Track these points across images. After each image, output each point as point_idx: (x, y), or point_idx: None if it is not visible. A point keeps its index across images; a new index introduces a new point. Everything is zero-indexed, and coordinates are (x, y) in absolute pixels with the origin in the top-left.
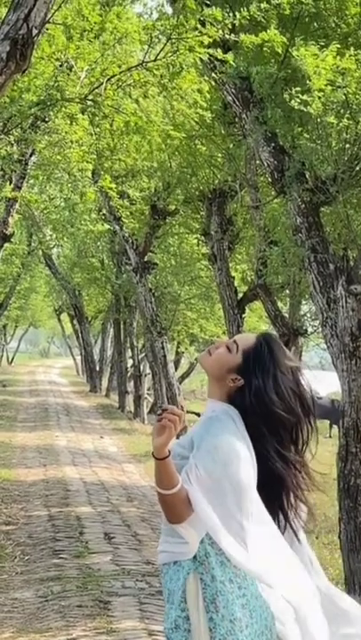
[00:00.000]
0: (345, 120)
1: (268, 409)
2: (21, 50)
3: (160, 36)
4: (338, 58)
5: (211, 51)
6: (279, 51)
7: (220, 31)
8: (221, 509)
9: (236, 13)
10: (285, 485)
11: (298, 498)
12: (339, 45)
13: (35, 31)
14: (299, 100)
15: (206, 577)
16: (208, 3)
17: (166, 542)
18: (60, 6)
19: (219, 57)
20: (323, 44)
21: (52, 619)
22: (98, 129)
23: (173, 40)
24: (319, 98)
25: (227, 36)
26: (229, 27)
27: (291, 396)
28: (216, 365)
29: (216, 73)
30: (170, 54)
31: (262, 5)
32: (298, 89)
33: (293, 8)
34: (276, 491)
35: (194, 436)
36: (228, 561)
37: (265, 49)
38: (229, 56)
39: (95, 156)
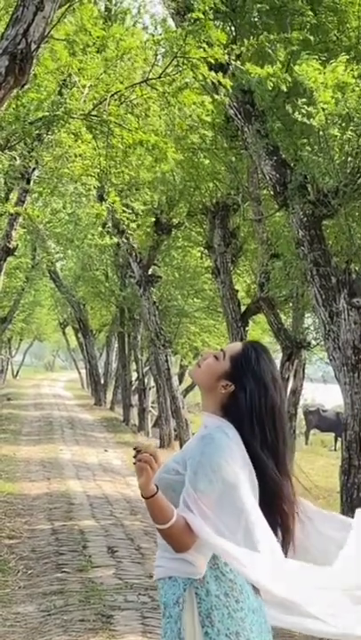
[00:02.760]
0: (349, 132)
1: (260, 411)
2: (20, 65)
3: (164, 53)
4: (339, 74)
5: (213, 74)
6: (284, 88)
7: (226, 56)
8: (228, 532)
9: (244, 39)
10: (282, 498)
11: (292, 510)
12: (347, 56)
13: (34, 46)
14: (304, 112)
15: (201, 591)
16: (212, 19)
17: (163, 557)
18: (59, 20)
19: (219, 81)
20: (324, 58)
21: (54, 633)
22: (102, 144)
23: (178, 58)
24: (323, 110)
25: (232, 61)
26: (235, 53)
27: (279, 400)
28: (206, 375)
29: (217, 92)
30: (173, 71)
31: (272, 37)
32: (304, 100)
33: (300, 37)
34: (274, 504)
35: (188, 455)
36: (224, 575)
37: (269, 82)
38: (228, 81)
39: (99, 170)
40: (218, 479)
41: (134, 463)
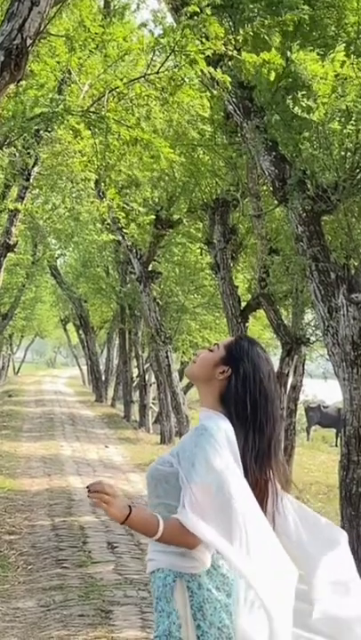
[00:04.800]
0: (349, 127)
1: (255, 394)
2: (16, 60)
3: (162, 48)
4: (338, 65)
5: (211, 69)
6: (281, 70)
7: (223, 47)
8: (223, 526)
9: (239, 29)
10: (266, 492)
11: (276, 505)
12: (331, 47)
13: (29, 41)
14: (304, 105)
15: (193, 584)
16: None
17: (154, 550)
18: (54, 15)
19: (217, 76)
20: (323, 52)
21: (53, 628)
22: (102, 139)
23: (176, 52)
24: (323, 104)
25: (229, 52)
26: (232, 42)
27: (273, 387)
28: (202, 367)
29: (216, 87)
30: (172, 67)
31: (266, 22)
32: (303, 93)
33: (294, 18)
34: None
35: (181, 448)
36: (215, 569)
37: (264, 70)
38: (227, 77)
39: (97, 167)
40: (213, 469)
41: (91, 504)
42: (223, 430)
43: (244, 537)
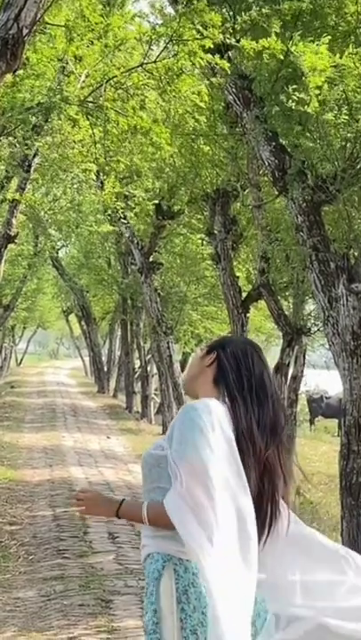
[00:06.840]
0: (343, 116)
1: (248, 366)
2: (12, 49)
3: (160, 39)
4: (337, 55)
5: (209, 57)
6: (281, 57)
7: (221, 35)
8: (200, 511)
9: (238, 17)
10: (273, 475)
11: (282, 485)
12: (331, 37)
13: (25, 31)
14: (296, 99)
15: (180, 568)
16: (210, 3)
17: (145, 536)
18: (51, 4)
19: (217, 63)
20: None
21: (53, 617)
22: (100, 130)
23: (174, 42)
24: (317, 96)
25: (227, 40)
26: (230, 31)
27: (264, 365)
28: (192, 365)
29: (216, 76)
30: (170, 57)
31: (264, 10)
32: (295, 86)
33: (293, 7)
34: (265, 482)
35: (171, 429)
36: None
37: (265, 55)
38: (226, 62)
39: (97, 157)
40: (200, 447)
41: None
42: (212, 407)
43: (219, 525)
